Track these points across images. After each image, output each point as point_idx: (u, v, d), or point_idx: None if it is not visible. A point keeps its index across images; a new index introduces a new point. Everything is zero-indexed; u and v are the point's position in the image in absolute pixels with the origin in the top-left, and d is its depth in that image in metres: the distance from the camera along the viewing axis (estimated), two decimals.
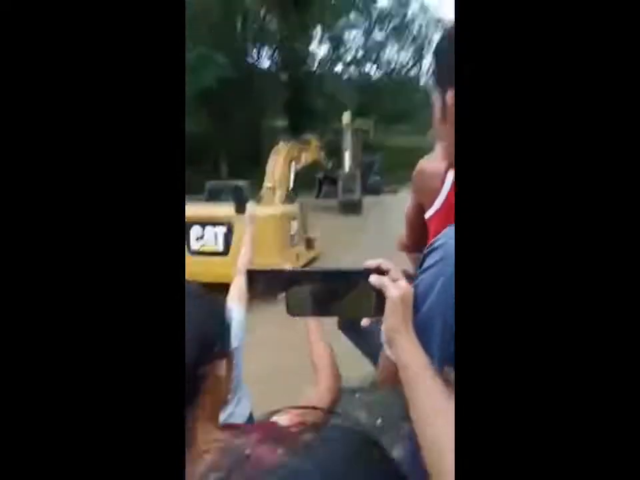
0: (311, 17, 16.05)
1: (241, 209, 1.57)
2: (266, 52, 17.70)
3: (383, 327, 0.52)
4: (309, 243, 6.63)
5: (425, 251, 0.54)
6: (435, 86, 0.58)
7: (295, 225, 5.96)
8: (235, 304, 1.27)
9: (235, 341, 1.23)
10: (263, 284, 0.72)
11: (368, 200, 12.11)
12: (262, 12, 17.05)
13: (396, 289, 0.51)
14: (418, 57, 20.22)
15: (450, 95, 0.53)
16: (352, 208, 10.97)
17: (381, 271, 0.53)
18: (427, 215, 1.11)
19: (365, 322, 0.56)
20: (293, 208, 6.23)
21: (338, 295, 0.54)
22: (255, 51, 17.42)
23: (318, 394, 0.68)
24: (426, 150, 1.17)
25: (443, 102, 0.56)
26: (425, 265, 0.53)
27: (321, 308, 0.56)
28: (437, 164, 1.01)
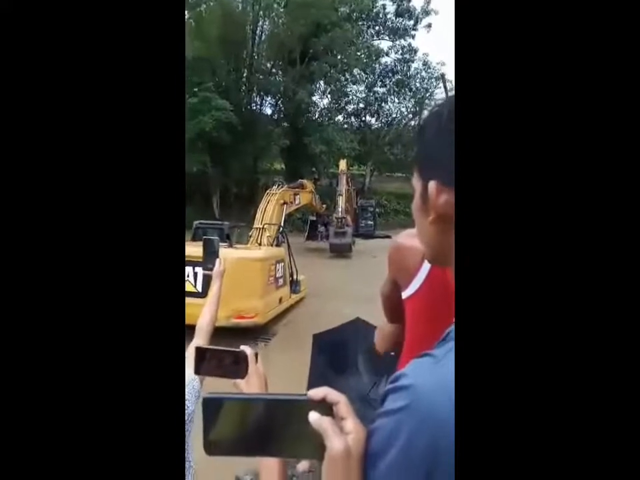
0: (316, 70, 16.80)
1: (208, 265, 1.40)
2: (269, 100, 18.40)
3: None
4: (295, 285, 6.48)
5: (388, 386, 0.41)
6: (417, 171, 0.50)
7: (280, 268, 5.85)
8: (190, 369, 1.06)
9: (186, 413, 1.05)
10: (210, 365, 0.64)
11: (359, 243, 12.03)
12: (268, 64, 17.94)
13: (338, 439, 0.39)
14: (417, 110, 20.94)
15: (432, 186, 0.45)
16: (342, 250, 10.96)
17: (326, 405, 0.41)
18: (404, 295, 0.98)
19: (302, 466, 0.45)
20: (279, 250, 6.15)
21: (276, 429, 0.42)
22: (258, 98, 18.11)
23: None
24: None
25: (424, 190, 0.47)
26: (387, 406, 0.40)
27: (251, 446, 0.43)
28: (415, 241, 0.90)
